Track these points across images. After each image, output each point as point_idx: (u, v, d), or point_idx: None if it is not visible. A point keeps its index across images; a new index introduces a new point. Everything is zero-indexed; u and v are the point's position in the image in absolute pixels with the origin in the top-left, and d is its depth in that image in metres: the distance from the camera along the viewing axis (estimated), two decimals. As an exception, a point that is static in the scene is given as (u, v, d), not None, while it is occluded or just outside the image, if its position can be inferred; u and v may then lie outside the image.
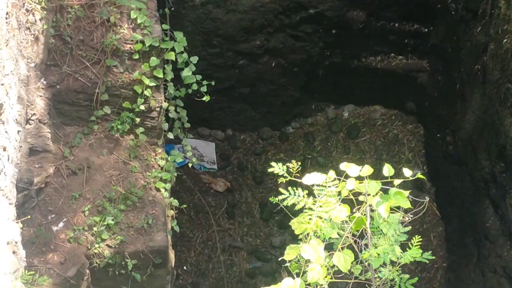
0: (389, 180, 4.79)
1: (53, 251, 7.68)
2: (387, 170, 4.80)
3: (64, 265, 7.58)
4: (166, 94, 8.76)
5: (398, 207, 4.86)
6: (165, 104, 8.66)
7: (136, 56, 8.27)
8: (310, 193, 4.96)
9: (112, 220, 7.95)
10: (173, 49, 8.43)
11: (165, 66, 8.54)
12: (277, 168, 5.06)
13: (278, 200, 4.99)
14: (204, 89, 8.69)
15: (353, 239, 4.91)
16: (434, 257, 5.22)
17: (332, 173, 4.90)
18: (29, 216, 7.37)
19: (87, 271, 7.81)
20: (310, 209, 4.85)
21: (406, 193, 4.78)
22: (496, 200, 10.19)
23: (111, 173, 8.38)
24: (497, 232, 10.19)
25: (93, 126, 8.48)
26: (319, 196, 4.86)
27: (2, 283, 5.07)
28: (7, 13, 6.52)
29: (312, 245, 4.75)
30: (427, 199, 5.10)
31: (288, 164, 5.07)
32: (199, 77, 8.67)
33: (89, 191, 8.19)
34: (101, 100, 8.32)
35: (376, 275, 4.98)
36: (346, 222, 4.85)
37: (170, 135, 9.01)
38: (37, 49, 7.59)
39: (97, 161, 8.39)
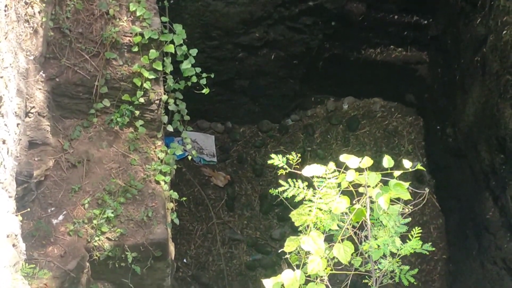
0: (388, 171, 4.79)
1: (53, 244, 7.68)
2: (387, 161, 4.80)
3: (64, 258, 7.58)
4: (165, 86, 8.75)
5: (398, 199, 4.85)
6: (164, 97, 8.65)
7: (135, 49, 8.26)
8: (310, 185, 4.96)
9: (112, 213, 7.95)
10: (172, 42, 8.42)
11: (164, 58, 8.53)
12: (277, 160, 5.05)
13: (278, 192, 4.99)
14: (203, 81, 8.68)
15: (353, 230, 4.91)
16: (434, 249, 5.21)
17: (332, 165, 4.89)
18: (28, 209, 7.38)
19: (87, 264, 7.82)
20: (310, 200, 4.86)
21: (406, 184, 4.78)
22: (496, 192, 10.19)
23: (110, 166, 8.38)
24: (497, 224, 10.20)
25: (92, 119, 8.47)
26: (319, 188, 4.86)
27: (2, 276, 5.07)
28: (6, 6, 6.52)
29: (312, 237, 4.76)
30: (427, 190, 5.10)
31: (288, 156, 5.07)
32: (198, 69, 8.65)
33: (89, 184, 8.19)
34: (101, 93, 8.32)
35: (376, 267, 4.99)
36: (346, 213, 4.85)
37: (170, 128, 9.00)
38: (36, 42, 7.58)
39: (97, 154, 8.39)
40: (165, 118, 8.83)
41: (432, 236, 12.70)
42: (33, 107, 7.61)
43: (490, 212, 10.40)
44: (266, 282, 4.94)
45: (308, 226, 4.82)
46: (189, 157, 9.55)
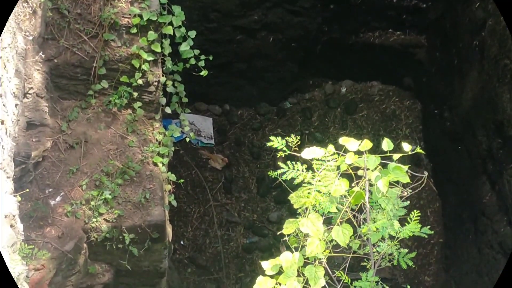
0: (387, 155, 4.78)
1: (50, 225, 7.68)
2: (386, 144, 4.79)
3: (62, 239, 7.58)
4: (164, 68, 8.71)
5: (397, 182, 4.85)
6: (162, 79, 8.62)
7: (134, 30, 8.23)
8: (309, 168, 4.96)
9: (110, 194, 7.94)
10: (171, 23, 8.37)
11: (163, 40, 8.49)
12: (276, 142, 5.04)
13: (277, 174, 4.98)
14: (202, 63, 8.65)
15: (352, 213, 4.92)
16: (432, 232, 5.22)
17: (331, 147, 4.89)
18: (27, 190, 7.37)
19: (85, 245, 7.82)
20: (309, 183, 4.85)
21: (405, 168, 4.78)
22: (493, 176, 10.21)
23: (108, 147, 8.36)
24: (494, 208, 10.23)
25: (90, 100, 8.45)
26: (318, 170, 4.86)
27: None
28: (4, -14, 6.48)
29: (311, 219, 4.76)
30: (426, 173, 5.10)
31: (287, 138, 5.06)
32: (197, 51, 8.62)
33: (87, 165, 8.18)
34: (99, 74, 8.29)
35: (374, 250, 4.99)
36: (345, 196, 4.85)
37: (168, 110, 8.98)
38: (35, 23, 7.55)
39: (95, 135, 8.37)
40: (163, 100, 8.81)
41: (429, 220, 12.73)
42: (31, 88, 7.59)
43: (487, 196, 10.42)
44: (264, 264, 4.95)
45: (307, 208, 4.82)
46: (187, 139, 9.54)
